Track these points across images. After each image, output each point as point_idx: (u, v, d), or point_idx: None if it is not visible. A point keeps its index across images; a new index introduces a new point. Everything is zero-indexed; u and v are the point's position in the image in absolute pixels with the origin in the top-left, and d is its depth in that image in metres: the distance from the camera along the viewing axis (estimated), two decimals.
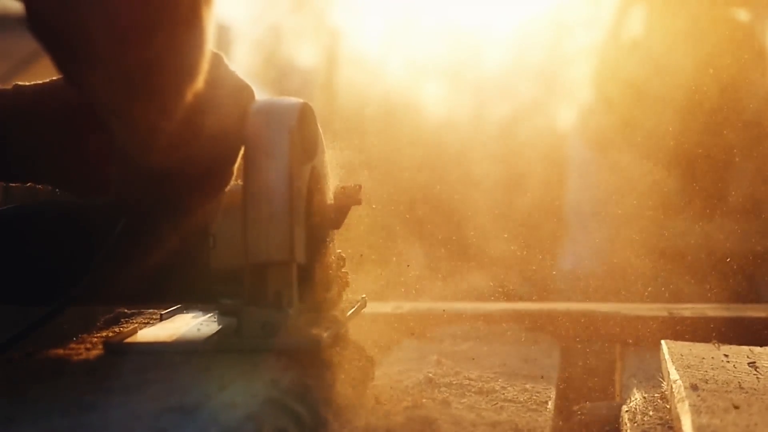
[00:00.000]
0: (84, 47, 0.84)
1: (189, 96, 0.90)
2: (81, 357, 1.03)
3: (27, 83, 1.11)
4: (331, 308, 1.10)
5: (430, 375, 1.26)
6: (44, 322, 0.98)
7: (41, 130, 1.09)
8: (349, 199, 1.07)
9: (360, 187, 1.07)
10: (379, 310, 1.56)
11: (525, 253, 3.60)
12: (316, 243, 1.05)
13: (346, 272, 1.15)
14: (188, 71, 0.89)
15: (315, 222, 1.05)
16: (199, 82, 0.90)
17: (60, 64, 0.91)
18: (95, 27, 0.82)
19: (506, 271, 3.67)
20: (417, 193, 3.66)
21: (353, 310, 1.15)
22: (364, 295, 1.21)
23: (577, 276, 3.42)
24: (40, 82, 1.12)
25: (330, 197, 1.10)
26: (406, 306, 1.65)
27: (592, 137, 3.74)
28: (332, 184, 1.12)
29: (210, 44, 0.91)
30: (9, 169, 1.10)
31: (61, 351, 1.05)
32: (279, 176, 0.96)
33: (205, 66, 0.90)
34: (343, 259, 1.15)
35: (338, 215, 1.07)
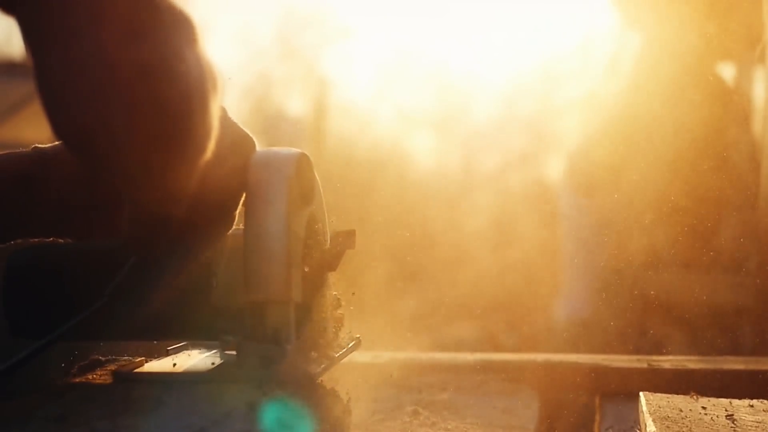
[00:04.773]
0: (107, 156, 0.88)
1: (200, 168, 0.94)
2: (52, 402, 1.02)
3: (45, 145, 1.15)
4: (326, 347, 1.14)
5: (406, 425, 1.25)
6: (36, 354, 1.00)
7: (64, 189, 1.13)
8: (344, 244, 1.12)
9: (354, 231, 1.12)
10: (359, 359, 1.55)
11: (514, 303, 3.60)
12: (313, 285, 1.10)
13: (342, 314, 1.19)
14: (201, 152, 0.93)
15: (312, 265, 1.09)
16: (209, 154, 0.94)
17: (80, 160, 0.96)
18: (122, 138, 0.86)
19: (495, 322, 3.66)
20: (405, 242, 3.67)
21: (346, 349, 1.19)
22: (358, 336, 1.24)
23: (566, 327, 3.42)
24: (58, 143, 1.15)
25: (327, 241, 1.15)
26: (386, 355, 1.65)
27: (579, 187, 3.75)
28: (329, 229, 1.17)
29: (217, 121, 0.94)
30: (33, 228, 1.14)
31: (32, 396, 1.04)
32: (277, 221, 1.01)
33: (213, 141, 0.94)
34: (339, 301, 1.19)
35: (334, 259, 1.12)
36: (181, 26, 0.88)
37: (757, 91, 3.58)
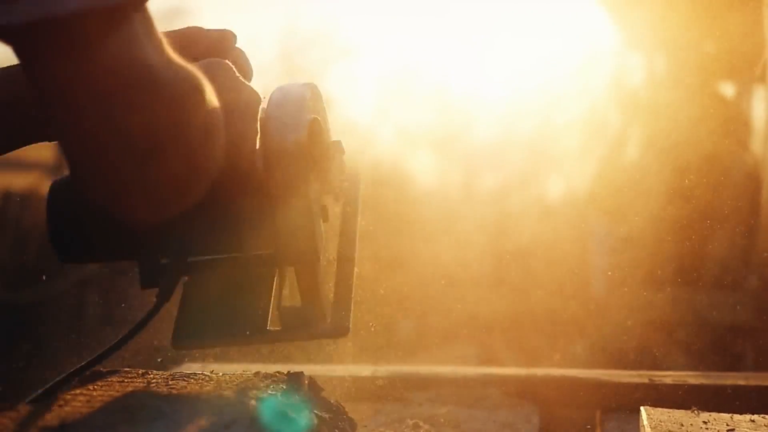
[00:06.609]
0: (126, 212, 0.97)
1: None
2: (52, 413, 1.02)
3: None
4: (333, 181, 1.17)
5: None
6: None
7: None
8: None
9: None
10: (358, 374, 1.55)
11: (516, 318, 3.59)
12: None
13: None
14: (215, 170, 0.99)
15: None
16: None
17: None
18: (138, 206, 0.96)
19: (493, 340, 3.66)
20: (405, 256, 3.67)
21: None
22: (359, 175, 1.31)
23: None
24: None
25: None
26: (386, 369, 1.64)
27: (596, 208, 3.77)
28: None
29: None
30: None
31: (32, 406, 1.04)
32: (297, 192, 1.04)
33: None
34: (341, 146, 1.22)
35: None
36: (184, 95, 0.91)
37: (758, 110, 3.59)
